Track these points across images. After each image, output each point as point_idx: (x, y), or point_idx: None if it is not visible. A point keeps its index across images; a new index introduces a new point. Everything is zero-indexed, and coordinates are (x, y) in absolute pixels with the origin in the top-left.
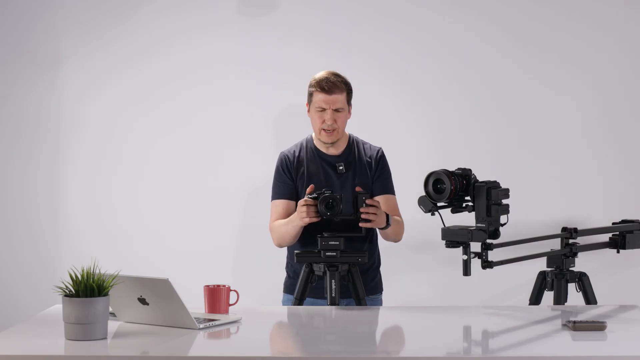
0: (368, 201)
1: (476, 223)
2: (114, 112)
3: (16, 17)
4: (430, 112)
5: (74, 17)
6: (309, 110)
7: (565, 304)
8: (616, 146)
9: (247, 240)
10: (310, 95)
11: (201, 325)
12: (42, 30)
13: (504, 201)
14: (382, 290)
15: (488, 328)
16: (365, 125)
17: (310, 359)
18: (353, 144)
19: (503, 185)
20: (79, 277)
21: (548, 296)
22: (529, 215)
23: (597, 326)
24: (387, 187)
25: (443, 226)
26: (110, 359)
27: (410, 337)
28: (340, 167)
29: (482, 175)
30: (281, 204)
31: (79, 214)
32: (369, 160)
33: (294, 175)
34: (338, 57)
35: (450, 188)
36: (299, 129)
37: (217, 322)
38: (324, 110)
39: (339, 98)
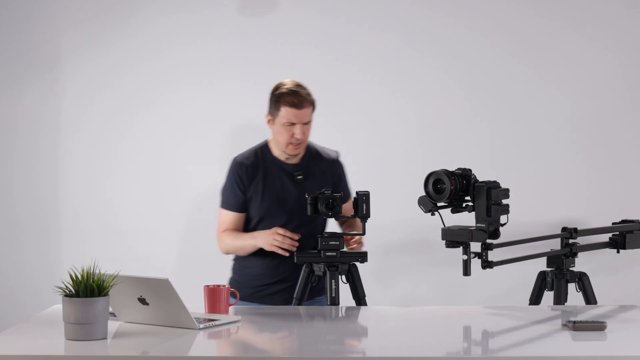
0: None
1: (476, 223)
2: (114, 112)
3: (16, 17)
4: (431, 111)
5: (74, 17)
6: (271, 122)
7: (565, 304)
8: (616, 146)
9: None
10: (276, 109)
11: (201, 325)
12: (42, 30)
13: (504, 201)
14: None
15: (488, 328)
16: (365, 125)
17: (310, 359)
18: (312, 152)
19: (503, 185)
20: (79, 277)
21: (548, 296)
22: (529, 215)
23: (597, 326)
24: (347, 194)
25: (443, 226)
26: (110, 359)
27: (411, 337)
28: (299, 177)
29: (482, 175)
30: (232, 216)
31: (78, 214)
32: (328, 168)
33: (247, 186)
34: (338, 57)
35: (450, 188)
36: None
37: (217, 322)
38: (293, 124)
39: (308, 111)
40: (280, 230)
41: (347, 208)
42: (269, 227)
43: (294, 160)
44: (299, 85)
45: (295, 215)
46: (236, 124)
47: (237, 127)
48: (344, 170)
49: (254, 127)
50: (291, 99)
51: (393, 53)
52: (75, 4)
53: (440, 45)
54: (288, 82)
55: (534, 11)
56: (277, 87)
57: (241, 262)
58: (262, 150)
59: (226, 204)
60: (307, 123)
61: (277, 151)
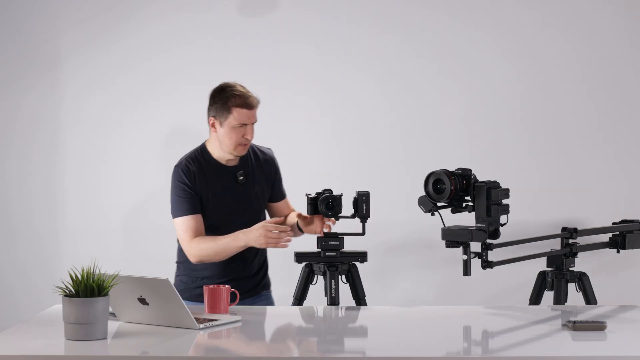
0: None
1: (476, 223)
2: (113, 112)
3: (16, 17)
4: (430, 111)
5: (74, 17)
6: (217, 126)
7: (565, 304)
8: (616, 146)
9: None
10: (227, 111)
11: (201, 325)
12: (42, 30)
13: (504, 201)
14: (270, 286)
15: (488, 328)
16: (365, 124)
17: (310, 359)
18: (249, 151)
19: (503, 185)
20: (79, 277)
21: (548, 296)
22: (529, 215)
23: (597, 326)
24: (283, 191)
25: (443, 226)
26: (110, 359)
27: (410, 337)
28: (241, 177)
29: (482, 175)
30: (194, 220)
31: (78, 214)
32: (266, 166)
33: (195, 189)
34: (338, 57)
35: (450, 188)
36: (299, 126)
37: (217, 322)
38: (244, 125)
39: (256, 111)
40: (271, 227)
41: (284, 207)
42: (217, 231)
43: (234, 162)
44: (243, 86)
45: (240, 215)
46: None
47: None
48: (279, 168)
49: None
50: (242, 100)
51: (393, 53)
52: (75, 4)
53: (440, 45)
54: (233, 83)
55: (533, 11)
56: (222, 89)
57: (188, 265)
58: (203, 155)
59: (184, 211)
60: (254, 123)
61: (219, 153)
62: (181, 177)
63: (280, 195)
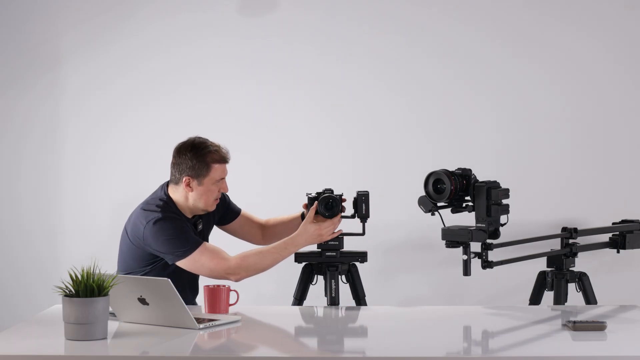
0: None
1: (476, 223)
2: (113, 112)
3: (16, 17)
4: (431, 111)
5: (74, 17)
6: (195, 185)
7: (565, 304)
8: (616, 146)
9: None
10: (207, 168)
11: (201, 325)
12: (42, 30)
13: (504, 201)
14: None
15: (488, 328)
16: (366, 124)
17: (310, 359)
18: None
19: (503, 185)
20: (79, 277)
21: (548, 296)
22: (529, 215)
23: (597, 326)
24: (236, 207)
25: (443, 226)
26: (110, 359)
27: (411, 337)
28: (200, 226)
29: (482, 175)
30: (209, 244)
31: (75, 214)
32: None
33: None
34: (338, 57)
35: (450, 188)
36: (298, 126)
37: (217, 322)
38: (222, 179)
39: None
40: (330, 224)
41: (244, 221)
42: (182, 272)
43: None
44: (210, 140)
45: None
46: (236, 123)
47: (237, 126)
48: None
49: (254, 125)
50: (220, 155)
51: (393, 53)
52: (75, 4)
53: (440, 45)
54: (202, 138)
55: (534, 10)
56: (194, 147)
57: None
58: (173, 211)
59: (197, 241)
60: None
61: (186, 208)
62: (173, 219)
63: (234, 213)
